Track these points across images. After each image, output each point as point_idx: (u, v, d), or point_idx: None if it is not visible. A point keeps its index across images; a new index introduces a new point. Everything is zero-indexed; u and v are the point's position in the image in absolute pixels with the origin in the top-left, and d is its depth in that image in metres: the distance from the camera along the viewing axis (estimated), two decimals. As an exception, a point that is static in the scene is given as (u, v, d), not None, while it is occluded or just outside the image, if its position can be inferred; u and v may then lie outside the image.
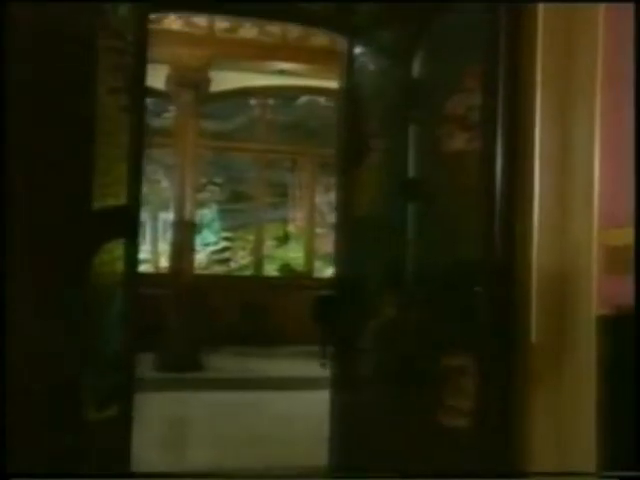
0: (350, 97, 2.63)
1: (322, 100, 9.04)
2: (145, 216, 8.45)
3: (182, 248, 6.83)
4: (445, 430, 2.06)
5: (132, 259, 2.54)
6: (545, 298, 2.24)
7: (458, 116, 2.09)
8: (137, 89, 2.48)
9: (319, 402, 5.68)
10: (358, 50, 2.55)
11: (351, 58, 2.59)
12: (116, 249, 2.52)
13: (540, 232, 2.17)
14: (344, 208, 2.67)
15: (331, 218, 9.11)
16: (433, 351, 2.14)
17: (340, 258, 2.73)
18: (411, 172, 2.30)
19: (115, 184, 2.43)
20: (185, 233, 6.84)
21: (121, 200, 2.44)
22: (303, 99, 8.98)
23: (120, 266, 2.58)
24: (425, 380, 2.14)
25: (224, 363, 7.28)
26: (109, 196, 2.41)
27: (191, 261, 6.96)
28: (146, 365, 6.63)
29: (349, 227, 2.56)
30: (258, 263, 8.81)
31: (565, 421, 2.26)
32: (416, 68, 2.25)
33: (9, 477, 1.86)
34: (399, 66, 2.33)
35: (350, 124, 2.64)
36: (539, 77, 2.11)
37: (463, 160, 2.10)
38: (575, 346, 2.25)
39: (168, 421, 5.02)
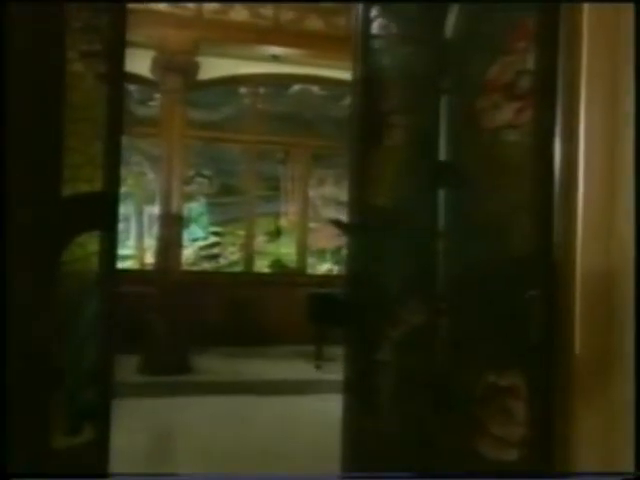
0: (365, 66, 2.24)
1: (315, 89, 8.66)
2: (130, 210, 8.03)
3: (169, 243, 6.44)
4: (488, 462, 1.70)
5: (110, 254, 2.16)
6: (589, 303, 1.89)
7: (504, 84, 1.72)
8: (115, 53, 2.09)
9: (317, 409, 5.39)
10: (375, 12, 2.16)
11: (367, 21, 2.20)
12: (90, 243, 2.14)
13: (585, 230, 1.82)
14: (359, 196, 2.28)
15: (325, 212, 8.74)
16: (472, 368, 1.77)
17: (353, 254, 2.34)
18: (443, 153, 1.93)
19: (89, 165, 2.04)
20: (172, 228, 6.44)
21: (96, 185, 2.05)
22: (296, 88, 8.60)
23: (96, 262, 2.19)
24: (463, 403, 1.77)
25: (214, 365, 6.89)
26: (81, 180, 2.03)
27: (178, 257, 6.57)
28: (130, 369, 6.26)
29: (364, 218, 2.17)
30: (249, 259, 8.43)
31: (613, 442, 1.92)
32: (449, 27, 1.87)
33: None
34: (428, 26, 1.96)
35: (365, 97, 2.25)
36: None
37: (509, 137, 1.73)
38: (622, 357, 1.91)
39: (152, 432, 4.62)
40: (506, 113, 1.72)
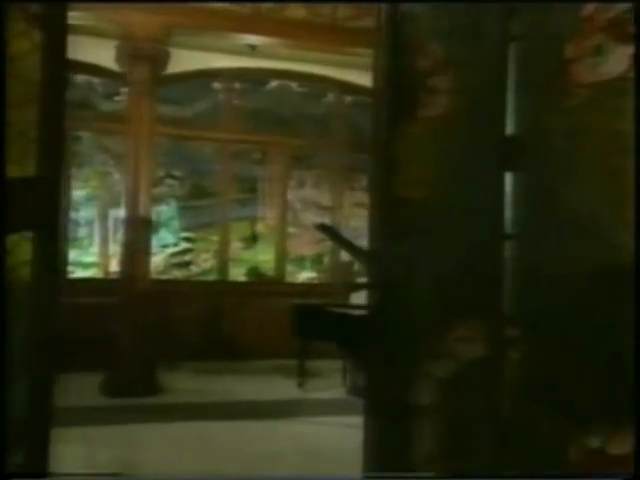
0: (394, 6, 1.69)
1: (295, 86, 8.13)
2: (93, 213, 7.37)
3: (135, 250, 5.82)
4: None
5: (49, 260, 1.58)
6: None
7: (609, 20, 1.21)
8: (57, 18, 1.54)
9: (304, 433, 4.83)
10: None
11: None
12: (25, 248, 1.57)
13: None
14: (383, 186, 1.72)
15: (305, 216, 8.20)
16: (557, 422, 1.24)
17: (382, 261, 1.79)
18: (511, 124, 1.41)
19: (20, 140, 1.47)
20: (139, 233, 5.83)
21: (28, 169, 1.48)
22: (274, 84, 8.05)
23: (32, 271, 1.62)
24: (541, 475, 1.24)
25: (185, 384, 6.27)
26: (10, 162, 1.46)
27: (146, 265, 5.95)
28: (90, 390, 5.61)
29: (395, 213, 1.62)
30: (223, 267, 7.84)
31: None
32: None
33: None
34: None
35: (393, 51, 1.70)
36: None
37: (615, 100, 1.22)
38: None
39: (106, 465, 3.97)
40: (616, 62, 1.21)
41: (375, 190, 1.86)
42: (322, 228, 5.50)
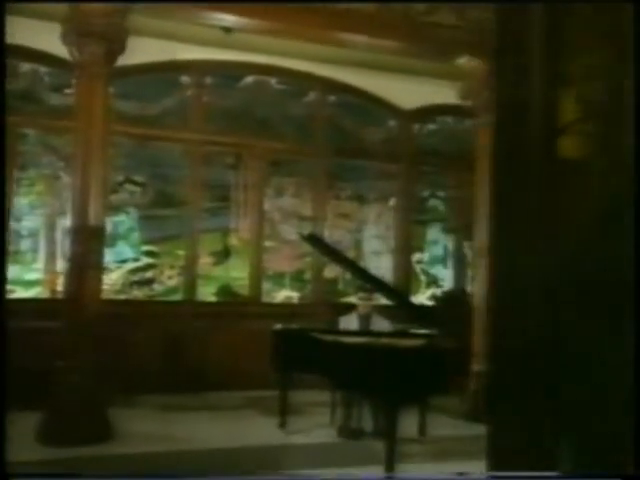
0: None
1: (273, 82, 7.28)
2: (38, 223, 6.36)
3: (85, 265, 4.85)
4: None
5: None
6: None
7: None
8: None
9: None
10: None
11: None
12: None
13: None
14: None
15: (284, 228, 7.30)
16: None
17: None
18: None
19: None
20: (89, 245, 4.86)
21: None
22: (250, 79, 7.19)
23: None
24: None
25: (143, 425, 5.27)
26: None
27: (97, 283, 4.98)
28: (24, 436, 4.57)
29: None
30: (190, 285, 6.88)
31: None
32: None
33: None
34: None
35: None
36: None
37: None
38: None
39: None
40: None
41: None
42: (309, 239, 4.62)
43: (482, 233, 5.87)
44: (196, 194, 6.93)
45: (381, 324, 5.48)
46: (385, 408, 3.82)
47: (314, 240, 4.61)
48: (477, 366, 5.50)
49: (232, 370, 6.77)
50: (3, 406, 1.74)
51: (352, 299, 7.43)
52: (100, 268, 5.06)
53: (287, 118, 7.32)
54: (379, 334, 4.95)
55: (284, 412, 5.22)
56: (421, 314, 4.85)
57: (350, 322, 5.47)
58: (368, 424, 4.94)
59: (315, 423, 5.34)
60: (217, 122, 7.03)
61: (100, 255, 5.03)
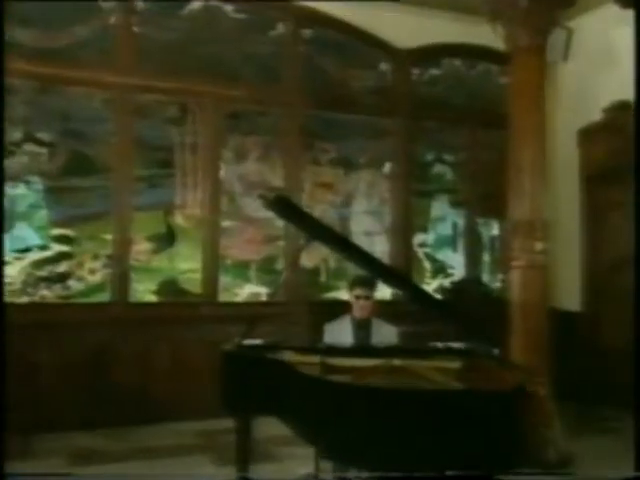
0: None
1: (229, 9, 5.48)
2: None
3: None
4: None
5: None
6: None
7: None
8: None
9: None
10: None
11: None
12: None
13: None
14: None
15: (247, 203, 5.57)
16: None
17: None
18: None
19: None
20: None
21: None
22: (196, 5, 5.38)
23: None
24: None
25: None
26: None
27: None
28: None
29: None
30: (121, 281, 5.10)
31: None
32: None
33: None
34: None
35: None
36: None
37: None
38: None
39: None
40: None
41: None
42: (277, 204, 2.81)
43: (524, 206, 4.19)
44: (126, 158, 5.12)
45: (385, 333, 3.77)
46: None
47: (284, 206, 2.84)
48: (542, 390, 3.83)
49: (179, 394, 5.04)
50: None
51: (340, 295, 5.73)
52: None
53: (248, 57, 5.53)
54: (387, 351, 3.24)
55: (244, 460, 3.44)
56: (449, 315, 3.13)
57: (341, 331, 3.75)
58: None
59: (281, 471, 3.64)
60: (153, 61, 5.21)
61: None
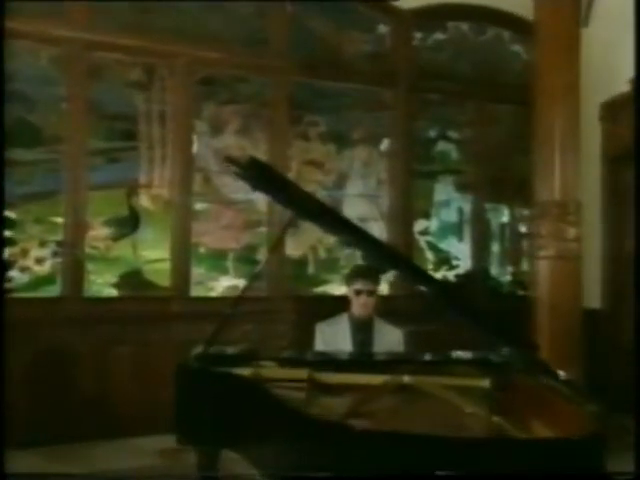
0: None
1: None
2: None
3: None
4: None
5: None
6: None
7: None
8: None
9: None
10: None
11: None
12: None
13: None
14: None
15: (224, 183, 4.84)
16: None
17: None
18: None
19: None
20: None
21: None
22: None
23: None
24: None
25: None
26: None
27: None
28: None
29: None
30: (75, 272, 4.35)
31: None
32: None
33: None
34: None
35: None
36: None
37: None
38: None
39: None
40: None
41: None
42: (251, 168, 2.06)
43: (553, 185, 3.48)
44: (80, 127, 4.35)
45: (389, 337, 3.08)
46: None
47: (261, 173, 2.09)
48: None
49: (143, 404, 4.31)
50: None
51: (331, 289, 5.02)
52: None
53: (226, 14, 4.77)
54: (394, 363, 2.53)
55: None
56: (476, 316, 2.40)
57: (337, 333, 3.05)
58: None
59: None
60: (114, 13, 4.43)
61: None
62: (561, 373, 1.83)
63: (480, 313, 2.19)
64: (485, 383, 2.32)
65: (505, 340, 2.16)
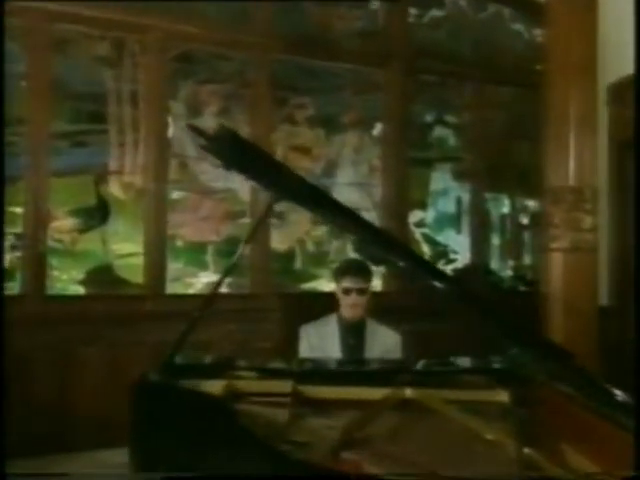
0: None
1: None
2: None
3: None
4: None
5: None
6: None
7: None
8: None
9: None
10: None
11: None
12: None
13: None
14: None
15: (203, 168, 4.45)
16: None
17: None
18: None
19: None
20: None
21: None
22: None
23: None
24: None
25: None
26: None
27: None
28: None
29: None
30: (35, 267, 3.94)
31: None
32: None
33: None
34: None
35: None
36: None
37: None
38: None
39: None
40: None
41: None
42: (219, 139, 1.69)
43: (567, 169, 3.12)
44: (41, 107, 3.93)
45: (385, 341, 2.70)
46: None
47: (234, 145, 1.71)
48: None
49: (111, 413, 3.89)
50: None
51: (320, 285, 4.64)
52: None
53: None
54: (392, 372, 2.16)
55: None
56: (495, 314, 2.02)
57: (325, 337, 2.67)
58: None
59: None
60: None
61: None
62: (617, 392, 1.45)
63: (502, 313, 1.82)
64: (503, 397, 1.95)
65: (532, 345, 1.78)
